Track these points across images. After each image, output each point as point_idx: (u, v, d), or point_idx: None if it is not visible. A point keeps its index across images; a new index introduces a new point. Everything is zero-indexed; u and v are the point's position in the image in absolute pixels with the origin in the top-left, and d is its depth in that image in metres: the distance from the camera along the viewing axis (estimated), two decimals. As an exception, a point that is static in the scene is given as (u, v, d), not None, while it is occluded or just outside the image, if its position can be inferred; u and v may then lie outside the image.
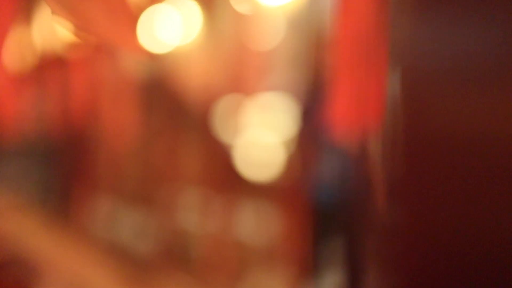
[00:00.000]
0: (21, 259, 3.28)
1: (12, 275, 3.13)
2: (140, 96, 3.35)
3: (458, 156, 0.73)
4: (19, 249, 3.36)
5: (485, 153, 0.69)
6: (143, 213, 3.25)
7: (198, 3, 2.48)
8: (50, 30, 3.37)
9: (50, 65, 3.63)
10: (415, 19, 0.75)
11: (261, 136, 2.82)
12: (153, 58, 2.94)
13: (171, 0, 2.48)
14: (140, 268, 3.00)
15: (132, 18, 1.17)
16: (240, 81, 2.85)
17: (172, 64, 3.04)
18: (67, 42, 3.42)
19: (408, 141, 0.76)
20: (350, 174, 2.24)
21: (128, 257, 3.14)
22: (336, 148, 2.33)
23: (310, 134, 2.60)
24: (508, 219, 0.71)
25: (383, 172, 0.80)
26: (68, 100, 3.73)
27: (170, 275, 2.90)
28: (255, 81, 2.84)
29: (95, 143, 3.60)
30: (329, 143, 2.34)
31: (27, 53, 3.60)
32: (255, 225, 2.74)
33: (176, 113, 3.14)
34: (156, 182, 3.24)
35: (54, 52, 3.53)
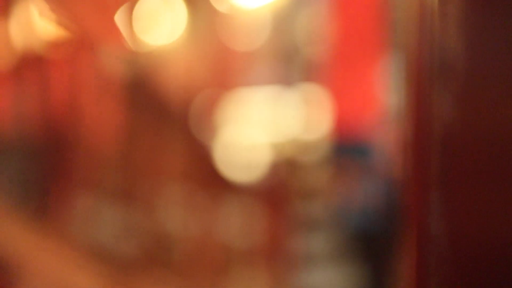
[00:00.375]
0: (0, 260, 3.25)
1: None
2: (121, 94, 3.33)
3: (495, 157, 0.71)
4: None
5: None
6: (125, 212, 3.23)
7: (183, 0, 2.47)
8: (30, 28, 3.35)
9: (30, 63, 3.60)
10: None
11: (245, 135, 2.81)
12: (136, 54, 2.93)
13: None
14: (122, 268, 2.99)
15: (118, 13, 1.16)
16: (222, 80, 2.84)
17: (154, 62, 3.02)
18: (47, 40, 3.39)
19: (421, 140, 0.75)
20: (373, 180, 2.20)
21: (110, 257, 3.12)
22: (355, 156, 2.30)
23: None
24: None
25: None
26: (48, 98, 3.71)
27: (153, 275, 2.89)
28: (238, 80, 2.83)
29: (76, 141, 3.58)
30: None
31: (6, 52, 3.57)
32: (239, 225, 2.74)
33: (158, 111, 3.13)
34: (138, 181, 3.22)
35: (34, 50, 3.50)
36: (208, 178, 2.87)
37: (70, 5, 1.10)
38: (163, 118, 3.10)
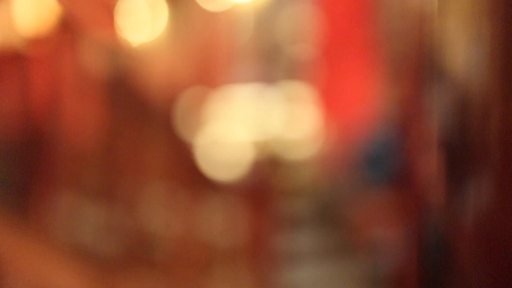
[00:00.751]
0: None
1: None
2: (102, 92, 3.32)
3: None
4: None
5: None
6: (107, 211, 3.22)
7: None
8: (9, 26, 3.33)
9: (10, 61, 3.57)
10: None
11: (228, 133, 2.80)
12: (119, 50, 2.91)
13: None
14: (104, 267, 2.97)
15: (110, 5, 1.16)
16: (206, 78, 2.83)
17: (135, 60, 3.01)
18: (27, 37, 3.37)
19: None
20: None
21: (92, 256, 3.11)
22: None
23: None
24: None
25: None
26: (28, 96, 3.68)
27: (135, 273, 2.88)
28: (221, 78, 2.82)
29: (57, 140, 3.56)
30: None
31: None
32: (221, 224, 2.73)
33: (139, 109, 3.12)
34: (120, 179, 3.21)
35: (14, 48, 3.48)
36: (190, 176, 2.86)
37: None
38: (145, 116, 3.09)
